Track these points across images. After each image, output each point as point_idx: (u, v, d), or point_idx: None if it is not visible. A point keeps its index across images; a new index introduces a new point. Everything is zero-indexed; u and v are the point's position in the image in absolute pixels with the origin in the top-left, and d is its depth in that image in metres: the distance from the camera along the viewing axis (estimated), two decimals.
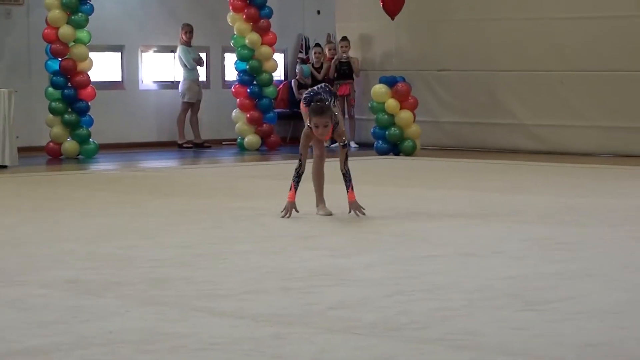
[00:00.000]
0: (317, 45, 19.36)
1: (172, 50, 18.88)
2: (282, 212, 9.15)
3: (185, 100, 18.54)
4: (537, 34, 16.60)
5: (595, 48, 16.08)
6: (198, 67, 18.78)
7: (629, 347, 4.69)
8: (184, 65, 18.53)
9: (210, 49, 19.70)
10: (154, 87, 19.42)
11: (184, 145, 18.59)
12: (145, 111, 19.21)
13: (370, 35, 18.58)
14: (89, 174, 14.59)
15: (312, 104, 8.97)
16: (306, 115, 9.11)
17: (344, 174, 9.13)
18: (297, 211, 9.15)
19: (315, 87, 9.27)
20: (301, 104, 9.36)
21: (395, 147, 16.85)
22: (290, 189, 9.18)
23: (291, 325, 5.16)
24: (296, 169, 9.14)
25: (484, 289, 6.00)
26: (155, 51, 19.40)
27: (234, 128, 18.43)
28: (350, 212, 9.08)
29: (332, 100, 9.13)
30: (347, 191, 9.11)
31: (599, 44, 16.03)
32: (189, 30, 18.49)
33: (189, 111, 18.66)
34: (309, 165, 9.49)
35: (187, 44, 18.54)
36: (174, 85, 19.06)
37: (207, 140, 18.88)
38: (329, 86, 9.23)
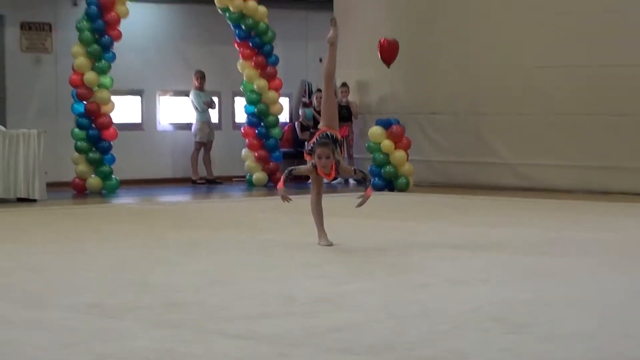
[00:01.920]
0: (319, 90, 19.37)
1: (187, 94, 18.94)
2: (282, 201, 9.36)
3: (197, 140, 18.62)
4: (520, 81, 16.65)
5: (573, 94, 16.12)
6: (210, 110, 18.83)
7: None
8: (196, 108, 18.62)
9: (222, 93, 19.77)
10: (170, 128, 19.47)
11: (198, 181, 18.63)
12: (162, 150, 19.27)
13: (367, 81, 18.64)
14: (111, 208, 14.60)
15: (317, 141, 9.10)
16: (309, 162, 9.22)
17: (364, 179, 9.39)
18: (289, 198, 9.24)
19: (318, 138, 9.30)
20: (305, 153, 9.44)
21: (390, 183, 16.87)
22: (280, 180, 9.46)
23: (295, 347, 5.15)
24: (291, 170, 9.37)
25: (471, 313, 6.00)
26: (171, 95, 19.47)
27: (243, 166, 18.47)
28: (360, 202, 9.16)
29: (334, 146, 9.17)
30: (366, 188, 9.21)
31: (577, 90, 16.07)
32: (200, 76, 18.59)
33: (202, 150, 18.73)
34: (307, 201, 9.53)
35: (199, 88, 18.62)
36: (188, 126, 19.11)
37: (218, 176, 18.91)
38: (332, 135, 9.21)
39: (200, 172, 18.77)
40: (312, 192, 9.47)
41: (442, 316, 5.92)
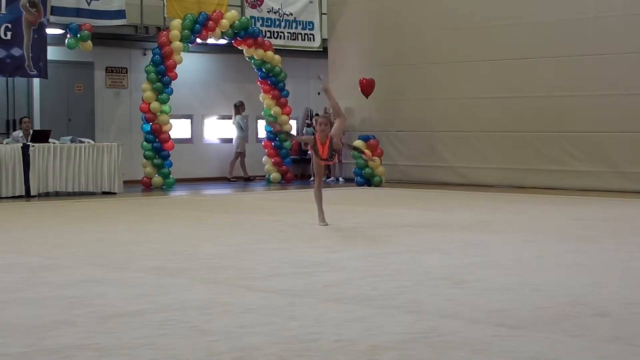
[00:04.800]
0: (317, 114, 19.40)
1: (229, 118, 18.94)
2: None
3: (238, 150, 18.55)
4: (460, 108, 16.66)
5: (497, 116, 16.12)
6: (243, 129, 18.80)
7: (519, 312, 4.69)
8: (240, 128, 18.58)
9: (249, 117, 19.75)
10: (212, 141, 19.45)
11: (231, 179, 18.60)
12: (205, 157, 19.26)
13: (352, 107, 18.61)
14: (169, 198, 14.62)
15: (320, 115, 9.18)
16: (311, 139, 9.19)
17: (355, 147, 9.66)
18: (277, 126, 9.32)
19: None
20: (310, 148, 9.45)
21: (368, 181, 16.87)
22: (283, 132, 9.59)
23: (300, 297, 5.16)
24: (293, 135, 9.50)
25: (426, 274, 6.00)
26: (218, 118, 19.50)
27: (263, 168, 18.47)
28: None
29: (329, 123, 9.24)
30: (363, 153, 9.43)
31: (500, 114, 16.08)
32: (241, 104, 18.59)
33: (240, 156, 18.72)
34: (311, 194, 9.53)
35: (240, 113, 18.62)
36: (229, 140, 19.06)
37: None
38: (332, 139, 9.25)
39: (234, 173, 18.75)
40: (314, 184, 9.48)
41: (404, 276, 5.93)
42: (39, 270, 6.33)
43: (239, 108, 18.52)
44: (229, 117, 18.90)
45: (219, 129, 19.46)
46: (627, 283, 5.63)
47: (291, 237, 8.34)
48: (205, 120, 19.37)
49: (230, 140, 18.92)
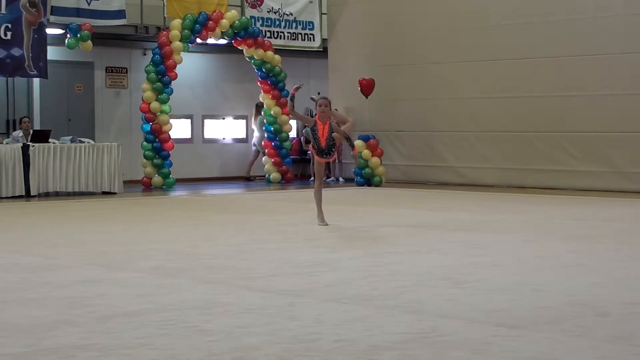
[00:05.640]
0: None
1: (244, 118, 18.99)
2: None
3: (260, 149, 18.59)
4: (459, 108, 16.66)
5: (498, 116, 16.13)
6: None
7: (519, 312, 4.69)
8: (262, 128, 18.57)
9: (248, 117, 19.75)
10: (211, 141, 19.46)
11: (253, 178, 18.65)
12: (204, 157, 19.27)
13: (352, 107, 18.61)
14: (169, 198, 14.61)
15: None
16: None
17: (348, 138, 9.15)
18: (295, 91, 9.23)
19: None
20: (310, 147, 9.46)
21: (368, 181, 16.87)
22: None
23: (300, 297, 5.15)
24: (304, 119, 9.47)
25: (426, 274, 6.00)
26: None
27: (263, 168, 18.47)
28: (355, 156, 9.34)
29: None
30: (353, 148, 9.46)
31: (500, 114, 16.08)
32: (261, 105, 18.55)
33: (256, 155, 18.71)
34: (311, 194, 9.52)
35: (261, 114, 18.61)
36: (243, 140, 19.09)
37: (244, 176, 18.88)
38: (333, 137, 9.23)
39: (241, 171, 18.79)
40: (314, 184, 9.48)
41: (404, 276, 5.92)
42: (39, 270, 6.32)
43: (260, 108, 18.53)
44: (244, 117, 18.91)
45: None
46: (627, 283, 5.63)
47: (291, 237, 8.33)
48: (205, 121, 19.37)
49: (243, 140, 18.95)
